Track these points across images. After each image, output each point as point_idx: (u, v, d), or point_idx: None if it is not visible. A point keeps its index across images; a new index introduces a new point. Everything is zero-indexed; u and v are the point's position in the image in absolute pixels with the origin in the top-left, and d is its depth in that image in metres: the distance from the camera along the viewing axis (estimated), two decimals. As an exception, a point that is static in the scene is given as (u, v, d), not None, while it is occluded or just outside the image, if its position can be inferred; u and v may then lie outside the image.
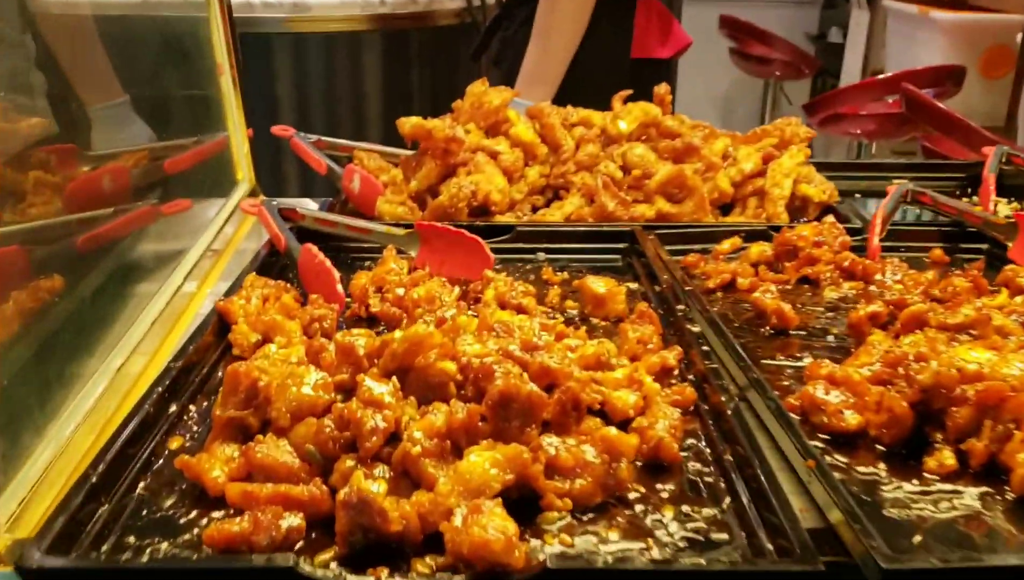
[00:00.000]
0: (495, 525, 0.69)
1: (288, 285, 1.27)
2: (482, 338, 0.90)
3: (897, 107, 4.55)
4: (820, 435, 0.93)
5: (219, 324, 1.14)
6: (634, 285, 1.37)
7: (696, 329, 1.11)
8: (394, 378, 0.83)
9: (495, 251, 1.50)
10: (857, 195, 1.91)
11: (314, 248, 1.27)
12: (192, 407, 0.98)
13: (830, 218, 1.48)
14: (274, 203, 1.48)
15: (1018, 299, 1.13)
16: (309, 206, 1.79)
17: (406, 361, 0.85)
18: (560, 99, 2.29)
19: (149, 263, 1.40)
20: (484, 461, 0.76)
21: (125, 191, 1.46)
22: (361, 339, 0.88)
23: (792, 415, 0.96)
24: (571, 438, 0.84)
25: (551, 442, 0.82)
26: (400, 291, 1.19)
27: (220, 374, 1.07)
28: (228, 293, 1.21)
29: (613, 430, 0.83)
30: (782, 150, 1.67)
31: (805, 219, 1.64)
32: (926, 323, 1.08)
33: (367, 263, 1.46)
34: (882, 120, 4.76)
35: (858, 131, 4.95)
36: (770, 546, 0.76)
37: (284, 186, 3.30)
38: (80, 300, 1.15)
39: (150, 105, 1.59)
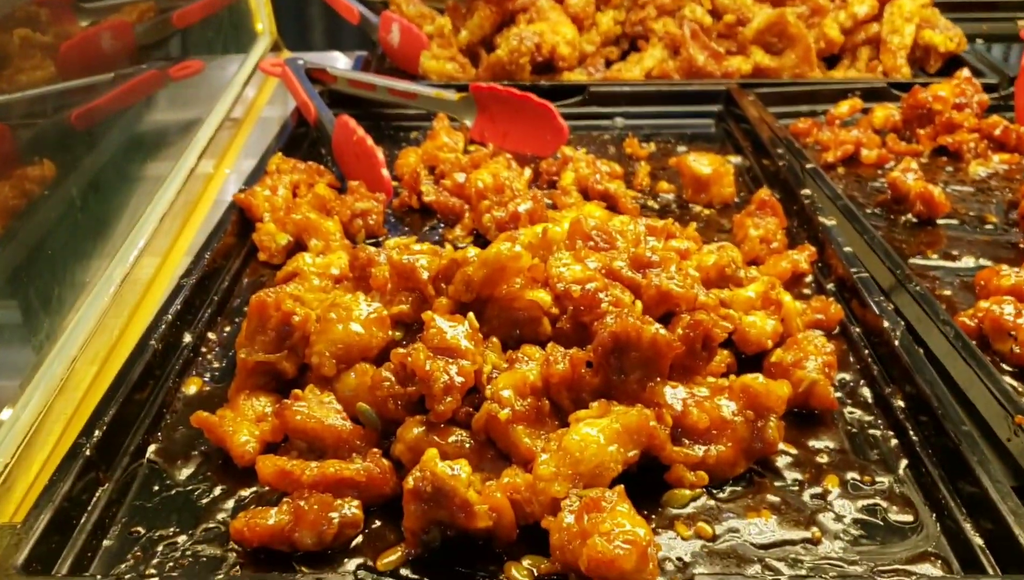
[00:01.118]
0: (623, 531, 0.51)
1: (322, 167, 1.05)
2: (578, 252, 0.69)
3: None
4: (1005, 368, 0.73)
5: (240, 220, 0.93)
6: (736, 159, 1.14)
7: (830, 221, 0.89)
8: (470, 314, 0.63)
9: (565, 117, 1.27)
10: (978, 40, 1.63)
11: (352, 121, 1.04)
12: (211, 335, 0.79)
13: (964, 72, 1.23)
14: (300, 62, 1.25)
15: None
16: (341, 64, 1.56)
17: (485, 290, 0.64)
18: None
19: (157, 138, 1.19)
20: (600, 433, 0.56)
21: (129, 51, 1.23)
22: (423, 258, 0.67)
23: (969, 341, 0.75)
24: (701, 387, 0.64)
25: (676, 394, 0.62)
26: (460, 177, 0.97)
27: (245, 286, 0.87)
28: (250, 179, 0.99)
29: (758, 378, 0.63)
30: (902, -13, 1.40)
31: (928, 72, 1.39)
32: None
33: (413, 134, 1.24)
34: None
35: None
36: (976, 537, 0.56)
37: (310, 36, 3.00)
38: (75, 190, 0.94)
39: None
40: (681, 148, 1.19)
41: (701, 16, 1.36)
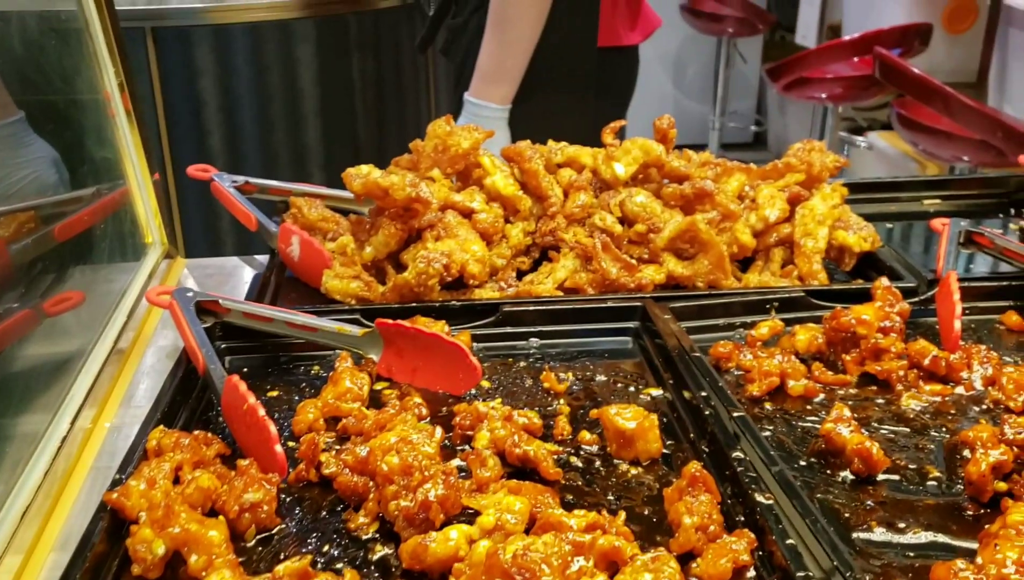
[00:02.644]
0: None
1: (209, 435, 0.95)
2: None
3: (864, 68, 4.33)
4: None
5: (112, 522, 0.82)
6: (657, 391, 1.08)
7: (767, 499, 0.82)
8: None
9: (477, 339, 1.21)
10: (887, 225, 1.64)
11: (242, 386, 0.95)
12: None
13: (883, 281, 1.20)
14: (189, 294, 1.16)
15: None
16: (248, 273, 1.47)
17: None
18: (528, 93, 1.99)
19: (29, 383, 1.08)
20: None
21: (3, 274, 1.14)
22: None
23: (930, 658, 0.69)
24: None
25: None
26: (362, 451, 0.88)
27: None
28: (124, 465, 0.89)
29: None
30: (810, 188, 1.38)
31: (844, 271, 1.37)
32: (1074, 483, 0.81)
33: (315, 369, 1.15)
34: (849, 83, 4.54)
35: (824, 95, 4.73)
36: None
37: (219, 236, 2.91)
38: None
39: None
40: (600, 377, 1.12)
41: (611, 224, 1.31)
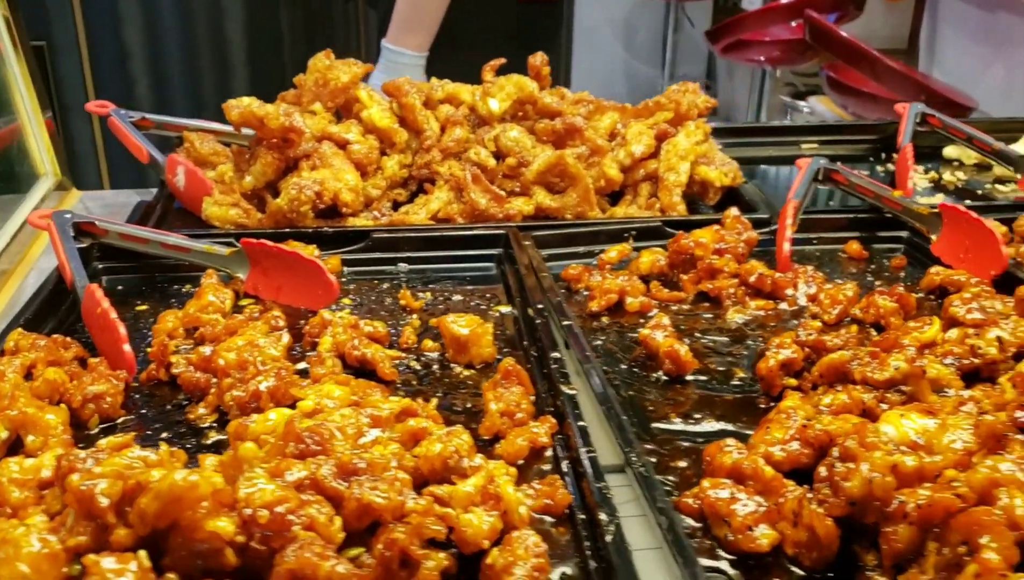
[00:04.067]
0: None
1: (69, 339, 1.01)
2: (278, 466, 0.67)
3: (801, 32, 4.40)
4: (723, 554, 0.74)
5: (-36, 411, 0.88)
6: (507, 309, 1.15)
7: (571, 390, 0.90)
8: (142, 552, 0.59)
9: (348, 263, 1.27)
10: (762, 167, 1.72)
11: (99, 292, 1.01)
12: None
13: (733, 211, 1.28)
14: (68, 216, 1.20)
15: (953, 333, 0.95)
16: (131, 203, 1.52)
17: (162, 522, 0.61)
18: (439, 49, 2.04)
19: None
20: None
21: None
22: (104, 482, 0.63)
23: (691, 521, 0.77)
24: (397, 609, 0.62)
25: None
26: (206, 350, 0.94)
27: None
28: (-13, 357, 0.94)
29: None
30: (678, 126, 1.46)
31: (708, 205, 1.44)
32: (848, 375, 0.89)
33: (187, 288, 1.21)
34: (786, 46, 4.61)
35: (762, 58, 4.79)
36: None
37: (120, 172, 2.94)
38: None
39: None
40: (457, 297, 1.19)
41: (485, 158, 1.38)
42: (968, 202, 1.52)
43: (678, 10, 5.86)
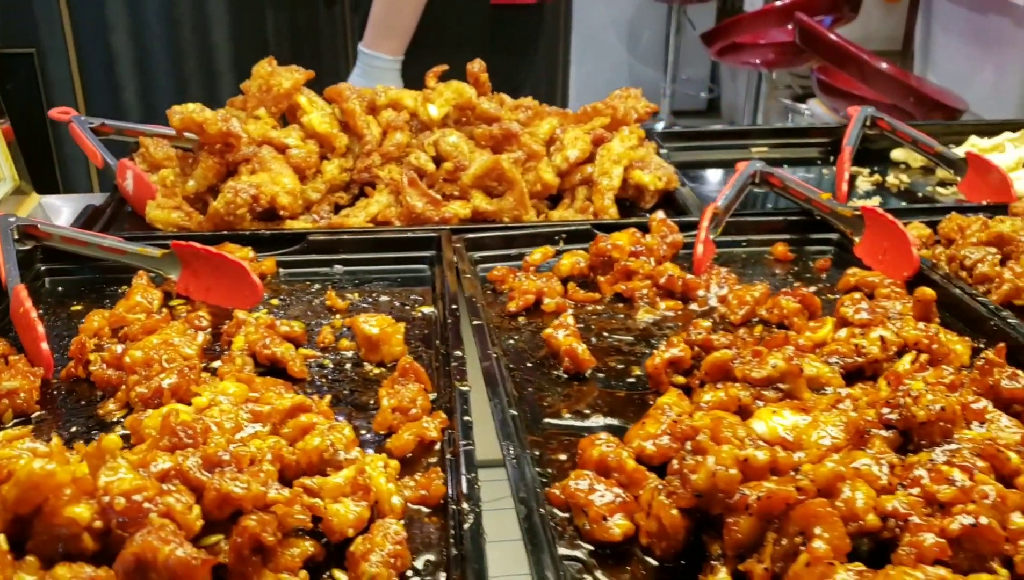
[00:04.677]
0: None
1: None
2: (144, 457, 0.71)
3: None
4: (584, 544, 0.77)
5: None
6: (428, 309, 1.19)
7: (465, 387, 0.93)
8: (1, 536, 0.63)
9: (285, 265, 1.31)
10: (708, 171, 1.74)
11: (23, 292, 1.05)
12: None
13: (659, 215, 1.31)
14: (12, 219, 1.25)
15: (842, 333, 0.97)
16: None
17: (22, 509, 0.65)
18: (414, 54, 2.07)
19: None
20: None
21: None
22: (-26, 471, 0.67)
23: (558, 512, 0.80)
24: (253, 590, 0.65)
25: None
26: (118, 348, 0.98)
27: None
28: (-93, 360, 0.99)
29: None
30: (615, 131, 1.49)
31: (644, 209, 1.47)
32: (730, 373, 0.92)
33: (123, 289, 1.24)
34: (781, 49, 4.62)
35: (757, 61, 4.81)
36: None
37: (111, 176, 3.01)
38: None
39: None
40: (384, 298, 1.22)
41: (424, 163, 1.41)
42: (904, 204, 1.54)
43: (680, 13, 5.88)
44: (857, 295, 1.03)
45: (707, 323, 1.00)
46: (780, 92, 5.27)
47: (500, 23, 2.28)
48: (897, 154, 1.72)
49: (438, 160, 1.44)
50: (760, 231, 1.38)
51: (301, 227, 1.36)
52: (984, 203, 1.42)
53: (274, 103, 1.44)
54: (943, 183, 1.63)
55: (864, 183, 1.63)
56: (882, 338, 0.94)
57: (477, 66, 1.48)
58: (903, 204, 1.53)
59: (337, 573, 0.73)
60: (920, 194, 1.60)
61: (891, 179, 1.64)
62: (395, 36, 2.06)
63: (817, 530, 0.69)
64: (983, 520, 0.70)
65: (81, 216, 1.41)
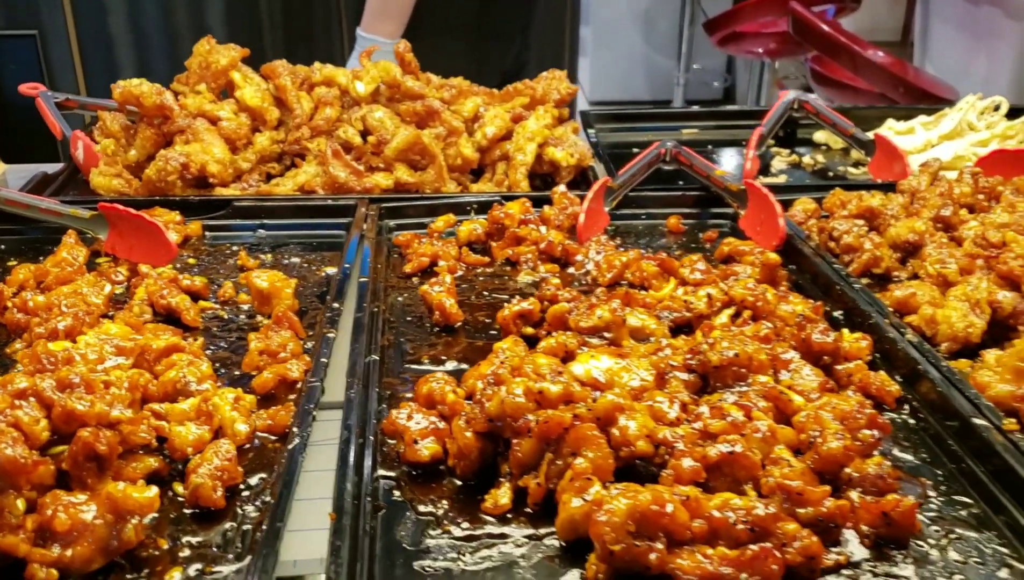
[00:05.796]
0: None
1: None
2: (7, 377, 0.81)
3: (797, 24, 4.43)
4: (401, 467, 0.86)
5: None
6: (331, 269, 1.28)
7: (330, 334, 1.03)
8: None
9: (210, 229, 1.41)
10: (635, 150, 1.82)
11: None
12: None
13: (560, 188, 1.40)
14: (-40, 184, 1.37)
15: (679, 291, 1.06)
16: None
17: None
18: (413, 34, 2.15)
19: None
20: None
21: None
22: None
23: (391, 441, 0.89)
24: (83, 494, 0.76)
25: (54, 503, 0.74)
26: (27, 295, 1.09)
27: None
28: None
29: (120, 486, 0.75)
30: (534, 110, 1.57)
31: (562, 186, 1.56)
32: (567, 324, 1.01)
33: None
34: (781, 38, 4.64)
35: (759, 50, 4.84)
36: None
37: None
38: None
39: None
40: (295, 259, 1.32)
41: (351, 136, 1.51)
42: (810, 181, 1.62)
43: (694, 3, 5.91)
44: (695, 257, 1.11)
45: (556, 281, 1.09)
46: (790, 82, 5.30)
47: (487, 10, 2.35)
48: (819, 136, 1.79)
49: (367, 135, 1.53)
50: (661, 205, 1.46)
51: (229, 194, 1.47)
52: (878, 181, 1.49)
53: (213, 79, 1.54)
54: (857, 164, 1.69)
55: (780, 163, 1.70)
56: (709, 295, 1.02)
57: (402, 46, 1.57)
58: (807, 181, 1.60)
59: (177, 486, 0.83)
60: (830, 173, 1.67)
61: (807, 159, 1.71)
62: (392, 19, 2.14)
63: (584, 450, 0.78)
64: (738, 448, 0.78)
65: (30, 182, 1.52)
